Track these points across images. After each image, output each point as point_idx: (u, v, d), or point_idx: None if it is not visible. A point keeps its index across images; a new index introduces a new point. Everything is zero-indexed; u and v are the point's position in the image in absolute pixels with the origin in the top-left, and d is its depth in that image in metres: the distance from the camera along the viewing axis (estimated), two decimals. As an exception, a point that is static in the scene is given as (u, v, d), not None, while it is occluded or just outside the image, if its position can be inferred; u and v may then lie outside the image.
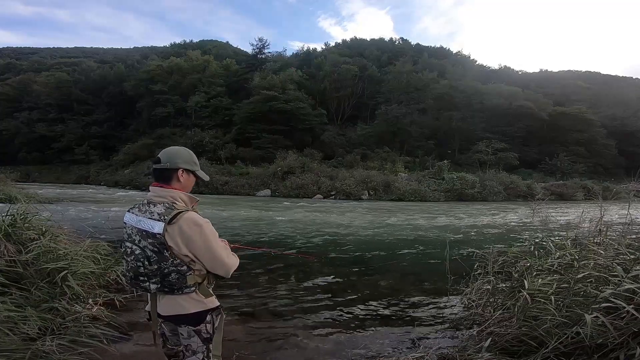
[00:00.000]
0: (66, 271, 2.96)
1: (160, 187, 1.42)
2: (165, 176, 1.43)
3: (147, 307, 1.50)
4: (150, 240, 1.33)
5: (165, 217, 1.31)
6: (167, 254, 1.32)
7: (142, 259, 1.33)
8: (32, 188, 16.63)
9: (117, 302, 3.23)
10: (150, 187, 1.44)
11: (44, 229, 3.51)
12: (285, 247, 6.64)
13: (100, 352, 2.34)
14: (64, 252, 3.23)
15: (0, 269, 2.75)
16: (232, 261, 1.47)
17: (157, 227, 1.31)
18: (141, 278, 1.35)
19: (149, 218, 1.34)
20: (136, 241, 1.36)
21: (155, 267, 1.33)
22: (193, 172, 1.49)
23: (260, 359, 2.54)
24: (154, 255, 1.32)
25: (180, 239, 1.32)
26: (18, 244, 3.11)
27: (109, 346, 2.42)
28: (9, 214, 3.41)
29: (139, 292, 1.47)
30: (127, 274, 1.40)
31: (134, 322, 2.99)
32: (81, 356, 2.26)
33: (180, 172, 1.44)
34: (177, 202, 1.39)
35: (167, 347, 1.58)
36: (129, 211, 1.44)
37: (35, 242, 3.15)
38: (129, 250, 1.37)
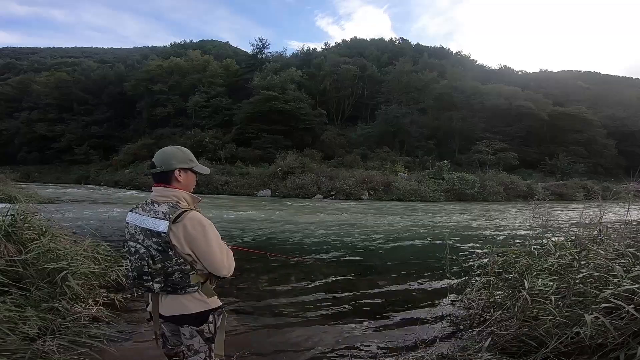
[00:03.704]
0: (66, 271, 2.96)
1: (164, 186, 1.43)
2: (163, 179, 1.44)
3: (149, 308, 1.50)
4: (154, 239, 1.33)
5: (170, 216, 1.31)
6: (171, 253, 1.33)
7: (146, 258, 1.33)
8: (32, 188, 16.61)
9: (117, 302, 3.23)
10: (153, 187, 1.45)
11: (44, 229, 3.51)
12: (282, 247, 6.64)
13: (100, 352, 2.34)
14: (64, 252, 3.22)
15: (0, 269, 2.75)
16: (231, 264, 1.46)
17: (162, 226, 1.31)
18: (145, 277, 1.35)
19: (154, 217, 1.34)
20: (140, 240, 1.37)
21: (159, 266, 1.33)
22: (190, 169, 1.48)
23: (261, 359, 2.54)
24: (158, 254, 1.33)
25: (184, 237, 1.32)
26: (18, 244, 3.11)
27: (109, 346, 2.42)
28: (9, 214, 3.41)
29: (141, 291, 1.48)
30: (131, 273, 1.41)
31: (134, 322, 2.99)
32: (81, 356, 2.26)
33: (177, 172, 1.44)
34: (181, 202, 1.40)
35: (167, 347, 1.58)
36: (131, 211, 1.44)
37: (35, 242, 3.15)
38: (132, 249, 1.38)
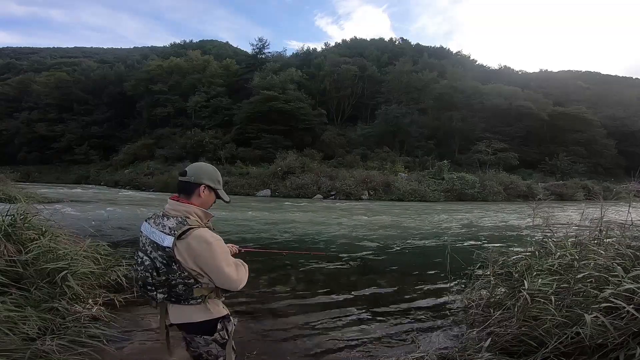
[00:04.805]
0: (66, 271, 2.96)
1: (178, 200, 1.46)
2: (187, 189, 1.47)
3: (159, 317, 1.56)
4: (160, 253, 1.36)
5: (175, 232, 1.34)
6: (175, 267, 1.35)
7: (150, 270, 1.37)
8: (32, 188, 16.60)
9: (117, 302, 3.23)
10: (169, 200, 1.48)
11: (44, 229, 3.50)
12: (288, 248, 6.63)
13: (100, 352, 2.34)
14: (64, 252, 3.22)
15: (0, 269, 2.75)
16: (241, 276, 1.46)
17: (167, 241, 1.34)
18: (149, 287, 1.39)
19: (161, 231, 1.37)
20: (148, 252, 1.41)
21: (164, 278, 1.36)
22: (215, 191, 1.53)
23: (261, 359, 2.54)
24: (163, 267, 1.36)
25: (188, 254, 1.34)
26: (18, 244, 3.10)
27: (109, 346, 2.42)
28: (9, 214, 3.41)
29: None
30: (137, 283, 1.45)
31: (134, 322, 2.99)
32: (81, 356, 2.25)
33: (202, 187, 1.47)
34: (190, 217, 1.42)
35: (191, 350, 1.60)
36: (146, 221, 1.48)
37: (35, 242, 3.15)
38: (139, 260, 1.41)
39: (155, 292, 1.39)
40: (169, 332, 1.58)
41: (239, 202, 16.50)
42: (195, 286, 1.39)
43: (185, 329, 1.50)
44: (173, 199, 1.47)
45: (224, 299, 1.55)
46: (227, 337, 1.51)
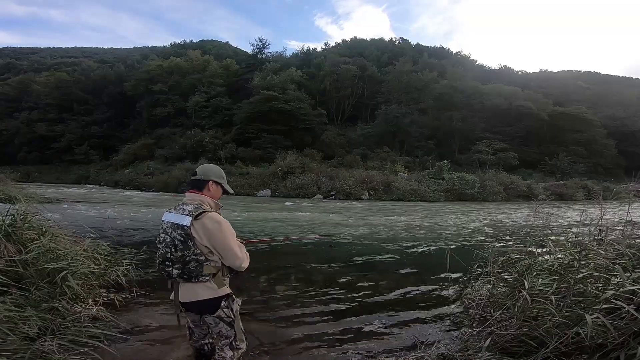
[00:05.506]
0: (66, 271, 2.96)
1: (194, 192, 1.82)
2: (199, 185, 1.83)
3: (171, 296, 1.80)
4: (179, 231, 1.66)
5: (193, 214, 1.66)
6: (190, 244, 1.64)
7: (170, 246, 1.67)
8: (32, 188, 16.60)
9: (117, 302, 3.23)
10: (186, 193, 1.84)
11: (44, 229, 3.50)
12: (308, 248, 6.62)
13: (100, 352, 2.33)
14: (64, 252, 3.22)
15: (0, 269, 2.74)
16: (244, 255, 1.76)
17: (186, 221, 1.65)
18: (167, 263, 1.68)
19: (181, 214, 1.70)
20: (169, 232, 1.70)
21: (180, 254, 1.65)
22: (221, 185, 1.89)
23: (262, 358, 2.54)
24: (180, 244, 1.65)
25: (203, 232, 1.65)
26: (18, 244, 3.10)
27: (109, 346, 2.42)
28: (9, 214, 3.41)
29: (164, 277, 1.77)
30: (157, 259, 1.76)
31: (134, 322, 2.99)
32: (81, 356, 2.25)
33: (210, 183, 1.84)
34: (204, 205, 1.75)
35: (193, 339, 1.88)
36: (167, 211, 1.80)
37: (35, 242, 3.14)
38: (161, 239, 1.73)
39: (171, 268, 1.67)
40: (180, 310, 1.80)
41: (246, 203, 16.51)
42: (205, 263, 1.66)
43: (194, 309, 1.75)
44: (190, 192, 1.82)
45: (228, 280, 1.80)
46: (233, 316, 1.78)
